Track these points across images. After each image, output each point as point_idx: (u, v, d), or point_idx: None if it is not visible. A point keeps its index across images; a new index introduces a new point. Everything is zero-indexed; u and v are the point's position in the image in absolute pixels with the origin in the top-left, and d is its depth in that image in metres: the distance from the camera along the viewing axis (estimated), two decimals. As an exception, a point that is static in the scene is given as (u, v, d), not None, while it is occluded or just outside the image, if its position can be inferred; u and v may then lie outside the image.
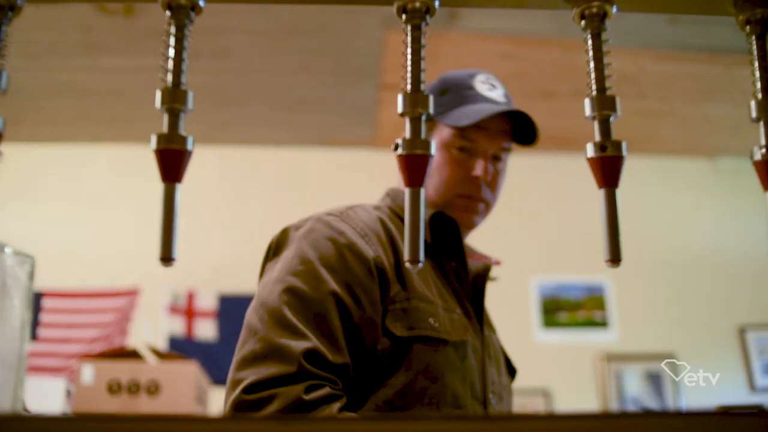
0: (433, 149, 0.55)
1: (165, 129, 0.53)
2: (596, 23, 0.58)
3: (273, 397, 0.88)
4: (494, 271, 1.25)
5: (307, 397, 0.88)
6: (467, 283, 1.17)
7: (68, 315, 3.52)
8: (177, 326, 3.67)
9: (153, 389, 2.18)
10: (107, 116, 3.72)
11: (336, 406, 0.90)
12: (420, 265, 0.54)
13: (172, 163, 0.52)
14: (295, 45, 3.26)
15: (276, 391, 0.88)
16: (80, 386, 2.16)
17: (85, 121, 3.74)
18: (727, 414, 0.42)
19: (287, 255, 1.04)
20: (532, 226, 3.78)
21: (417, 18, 0.56)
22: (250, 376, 0.90)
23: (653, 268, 3.75)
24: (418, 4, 0.56)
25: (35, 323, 3.61)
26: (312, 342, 0.92)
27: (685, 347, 3.55)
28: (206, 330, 3.69)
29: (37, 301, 3.63)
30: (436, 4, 0.56)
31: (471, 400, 1.05)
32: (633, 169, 4.35)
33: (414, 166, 0.54)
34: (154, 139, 0.52)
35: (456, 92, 1.21)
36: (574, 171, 4.15)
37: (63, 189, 3.83)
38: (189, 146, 0.53)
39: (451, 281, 1.15)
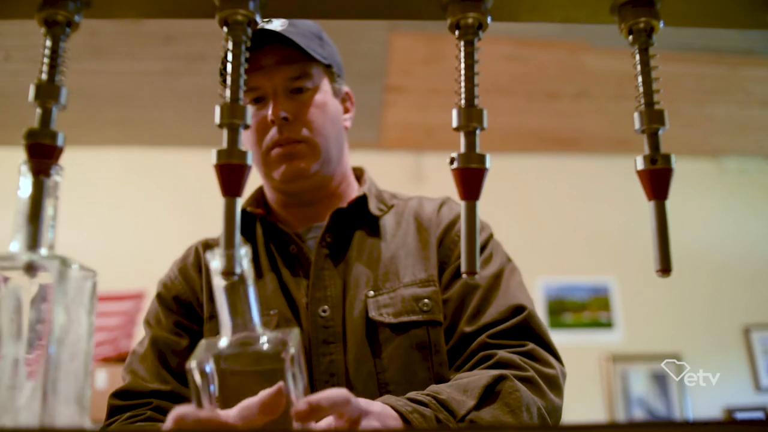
0: (488, 162, 0.56)
1: (224, 144, 0.54)
2: (644, 38, 0.59)
3: None
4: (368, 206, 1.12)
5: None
6: (307, 262, 1.06)
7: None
8: (183, 329, 3.67)
9: (166, 393, 2.19)
10: (113, 120, 3.72)
11: None
12: (475, 276, 0.55)
13: (232, 177, 0.53)
14: (300, 48, 3.27)
15: None
16: (93, 391, 2.17)
17: (92, 124, 3.74)
18: (734, 423, 0.42)
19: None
20: (536, 228, 3.80)
21: (470, 34, 0.57)
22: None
23: (658, 268, 3.75)
24: (470, 20, 0.57)
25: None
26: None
27: (691, 347, 3.57)
28: (212, 332, 3.69)
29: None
30: (489, 19, 0.57)
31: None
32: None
33: (469, 180, 0.55)
34: (214, 154, 0.53)
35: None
36: (579, 172, 4.19)
37: (69, 192, 3.80)
38: (248, 161, 0.54)
39: (284, 271, 1.07)
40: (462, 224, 0.55)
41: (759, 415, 3.37)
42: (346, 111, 1.18)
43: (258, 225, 1.14)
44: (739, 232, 3.95)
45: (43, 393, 0.50)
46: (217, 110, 0.54)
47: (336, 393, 0.63)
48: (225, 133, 0.54)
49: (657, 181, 0.57)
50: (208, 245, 1.16)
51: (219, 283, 0.57)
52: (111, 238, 3.76)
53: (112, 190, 3.89)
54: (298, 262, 1.07)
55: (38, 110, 0.56)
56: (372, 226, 1.11)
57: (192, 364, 0.56)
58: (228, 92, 0.55)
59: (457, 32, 0.58)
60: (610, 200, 3.98)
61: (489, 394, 0.85)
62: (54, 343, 0.51)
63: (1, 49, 3.17)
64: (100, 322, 3.54)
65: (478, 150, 0.56)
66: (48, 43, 0.57)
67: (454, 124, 0.56)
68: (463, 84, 0.56)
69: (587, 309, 3.81)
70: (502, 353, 0.92)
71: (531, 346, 0.95)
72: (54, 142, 0.56)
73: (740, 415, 3.43)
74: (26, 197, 0.55)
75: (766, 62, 3.27)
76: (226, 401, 0.57)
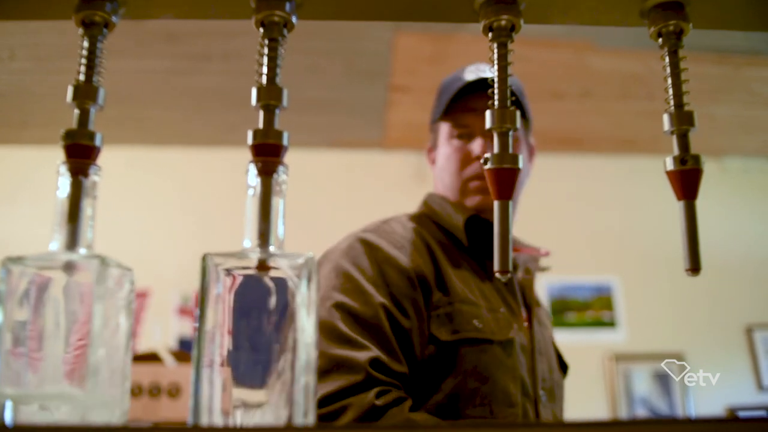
0: (521, 162, 0.57)
1: (260, 125, 0.55)
2: (673, 41, 0.60)
3: (345, 407, 0.90)
4: (545, 261, 1.28)
5: (378, 402, 0.90)
6: (512, 279, 1.20)
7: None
8: (187, 328, 3.69)
9: (174, 392, 2.19)
10: (117, 118, 3.72)
11: (407, 405, 0.92)
12: (509, 275, 0.56)
13: (268, 156, 0.54)
14: (304, 46, 3.27)
15: (348, 401, 0.90)
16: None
17: (95, 123, 3.74)
18: (736, 420, 0.43)
19: (326, 273, 1.07)
20: (539, 227, 3.80)
21: (503, 36, 0.58)
22: (319, 391, 0.92)
23: (661, 268, 3.77)
24: (504, 23, 0.57)
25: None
26: (374, 351, 0.95)
27: (693, 347, 3.58)
28: (216, 331, 3.70)
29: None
30: (521, 22, 0.58)
31: (522, 398, 1.06)
32: (641, 170, 4.38)
33: (502, 180, 0.56)
34: (250, 134, 0.54)
35: (448, 90, 1.23)
36: (583, 172, 4.20)
37: (72, 191, 3.82)
38: (284, 142, 0.55)
39: (495, 280, 1.18)
40: (495, 223, 0.56)
41: (761, 414, 3.38)
42: (529, 161, 1.33)
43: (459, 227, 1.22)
44: (741, 232, 3.96)
45: (82, 394, 0.51)
46: (254, 92, 0.55)
47: None
48: (261, 114, 0.55)
49: (687, 181, 0.58)
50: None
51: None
52: (115, 236, 3.75)
53: (116, 188, 3.89)
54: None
55: (76, 111, 0.56)
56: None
57: None
58: (264, 76, 0.55)
59: (490, 34, 0.58)
60: (614, 200, 3.99)
61: None
62: (94, 343, 0.51)
63: (6, 48, 3.17)
64: (103, 320, 3.53)
65: (510, 151, 0.57)
66: (85, 44, 0.57)
67: (488, 125, 0.57)
68: (497, 85, 0.57)
69: (590, 308, 3.82)
70: None
71: None
72: (92, 143, 0.56)
73: (743, 415, 3.44)
74: (64, 197, 0.55)
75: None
76: None
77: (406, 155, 3.97)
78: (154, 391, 2.19)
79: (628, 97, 3.52)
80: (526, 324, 1.17)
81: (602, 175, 4.05)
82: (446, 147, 1.23)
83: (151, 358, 2.38)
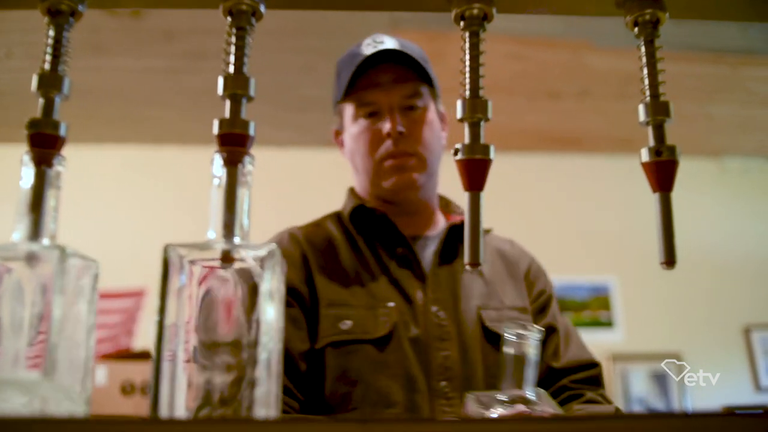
0: (492, 153, 0.56)
1: (227, 114, 0.54)
2: (649, 30, 0.59)
3: None
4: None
5: None
6: (418, 264, 1.13)
7: (75, 316, 3.52)
8: (183, 327, 3.67)
9: (166, 390, 2.18)
10: (114, 117, 3.72)
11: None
12: (480, 268, 0.55)
13: (234, 146, 0.53)
14: (300, 45, 3.26)
15: None
16: (93, 387, 2.17)
17: (92, 121, 3.73)
18: (732, 414, 0.42)
19: None
20: (537, 227, 3.79)
21: (475, 25, 0.57)
22: None
23: (659, 268, 3.74)
24: (476, 11, 0.56)
25: (41, 324, 3.60)
26: None
27: (691, 347, 3.56)
28: (212, 330, 3.68)
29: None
30: (494, 11, 0.57)
31: (408, 395, 1.01)
32: (638, 170, 4.37)
33: (473, 171, 0.55)
34: (216, 124, 0.53)
35: (347, 68, 1.17)
36: (581, 172, 4.18)
37: (68, 190, 3.80)
38: (251, 132, 0.54)
39: (396, 269, 1.13)
40: (466, 215, 0.55)
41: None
42: (443, 130, 1.26)
43: (348, 221, 1.20)
44: (740, 232, 3.95)
45: (42, 385, 0.50)
46: (220, 81, 0.54)
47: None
48: (228, 103, 0.54)
49: (662, 173, 0.57)
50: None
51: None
52: (111, 235, 3.75)
53: (112, 187, 3.89)
54: (408, 263, 1.14)
55: (41, 100, 0.55)
56: None
57: None
58: (231, 65, 0.54)
59: (462, 23, 0.57)
60: (612, 200, 3.97)
61: None
62: (53, 334, 0.50)
63: (3, 46, 3.16)
64: (100, 319, 3.53)
65: (482, 141, 0.56)
66: (51, 33, 0.56)
67: (459, 115, 0.56)
68: (468, 75, 0.56)
69: (587, 308, 3.81)
70: (590, 394, 1.07)
71: (603, 392, 1.10)
72: (56, 132, 0.55)
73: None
74: (28, 187, 0.55)
75: (767, 62, 3.26)
76: None
77: (403, 154, 3.95)
78: (147, 390, 2.19)
79: (626, 96, 3.50)
80: (435, 309, 1.10)
81: (600, 174, 4.03)
82: (354, 128, 1.18)
83: (144, 356, 2.37)
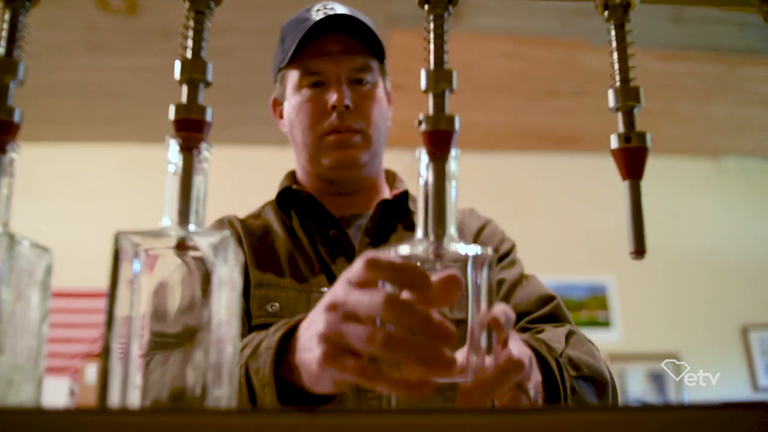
0: (457, 124, 0.54)
1: (183, 99, 0.53)
2: (620, 14, 0.58)
3: None
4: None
5: None
6: (351, 246, 1.08)
7: (70, 315, 3.52)
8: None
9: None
10: (110, 116, 3.71)
11: None
12: (442, 242, 0.53)
13: (192, 132, 0.52)
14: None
15: None
16: (84, 386, 2.16)
17: (88, 120, 3.73)
18: (728, 407, 0.42)
19: None
20: (534, 226, 3.78)
21: (439, 8, 0.56)
22: None
23: (656, 267, 3.74)
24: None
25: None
26: None
27: (688, 347, 3.55)
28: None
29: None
30: (458, -7, 0.55)
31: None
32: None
33: (438, 142, 0.54)
34: (172, 109, 0.52)
35: (294, 33, 1.08)
36: (577, 171, 4.17)
37: (65, 189, 3.82)
38: (208, 117, 0.53)
39: (328, 253, 1.07)
40: (431, 186, 0.54)
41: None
42: (389, 110, 1.20)
43: (275, 205, 1.15)
44: (737, 231, 3.93)
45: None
46: (177, 65, 0.53)
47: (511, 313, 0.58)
48: (185, 88, 0.53)
49: (631, 159, 0.55)
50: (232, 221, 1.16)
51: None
52: (107, 234, 3.74)
53: (108, 186, 3.88)
54: (338, 246, 1.08)
55: (-6, 85, 0.54)
56: (410, 222, 1.13)
57: None
58: (189, 50, 0.53)
59: (426, 6, 0.56)
60: (609, 199, 3.95)
61: (567, 343, 0.89)
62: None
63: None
64: (94, 318, 3.53)
65: (446, 113, 0.55)
66: (6, 16, 0.55)
67: (423, 86, 0.55)
68: (432, 47, 0.55)
69: (585, 308, 3.79)
70: (549, 328, 0.96)
71: (569, 327, 0.98)
72: (11, 118, 0.54)
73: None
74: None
75: (765, 61, 3.25)
76: None
77: (400, 153, 3.94)
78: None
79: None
80: None
81: (597, 173, 4.01)
82: (296, 98, 1.09)
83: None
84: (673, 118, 3.78)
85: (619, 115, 0.57)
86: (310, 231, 1.10)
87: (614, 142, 0.56)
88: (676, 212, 3.88)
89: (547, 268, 3.85)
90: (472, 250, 0.53)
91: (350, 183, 1.14)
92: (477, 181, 3.73)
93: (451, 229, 0.53)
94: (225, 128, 3.81)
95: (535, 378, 0.65)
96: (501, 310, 0.54)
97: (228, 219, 1.14)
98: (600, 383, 0.84)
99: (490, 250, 0.54)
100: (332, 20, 1.05)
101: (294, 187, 1.14)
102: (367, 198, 1.16)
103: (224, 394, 0.48)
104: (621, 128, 0.57)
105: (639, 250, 0.56)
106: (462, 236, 1.11)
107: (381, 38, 1.10)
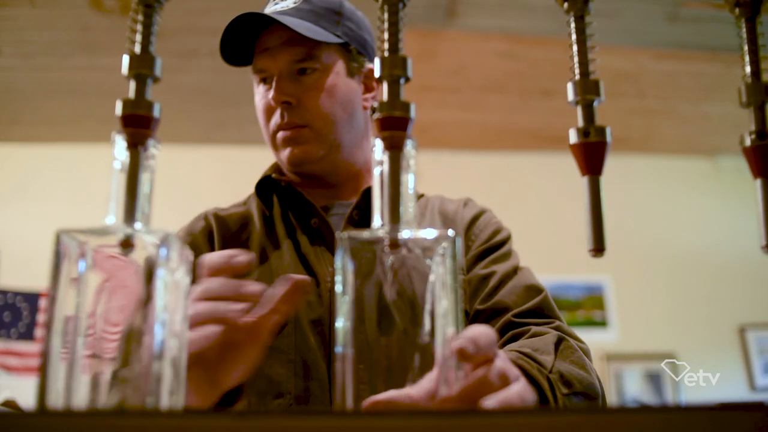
0: (413, 112, 0.53)
1: (131, 95, 0.52)
2: (579, 5, 0.57)
3: None
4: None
5: None
6: (332, 235, 1.04)
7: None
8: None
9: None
10: (105, 116, 3.70)
11: None
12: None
13: (138, 128, 0.51)
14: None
15: None
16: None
17: (83, 121, 3.72)
18: (726, 408, 0.41)
19: None
20: (530, 226, 3.76)
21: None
22: None
23: (653, 267, 3.72)
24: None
25: (33, 324, 3.60)
26: None
27: (685, 347, 3.53)
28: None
29: (34, 301, 3.61)
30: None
31: (301, 383, 0.92)
32: (633, 169, 4.35)
33: (392, 128, 0.52)
34: (119, 105, 0.51)
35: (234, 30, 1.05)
36: (573, 170, 4.11)
37: (61, 189, 3.82)
38: (156, 114, 0.52)
39: (307, 244, 1.04)
40: (387, 176, 0.52)
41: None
42: (369, 90, 1.12)
43: (274, 194, 1.12)
44: (734, 231, 3.91)
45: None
46: (125, 60, 0.52)
47: (489, 335, 0.56)
48: (132, 83, 0.52)
49: (590, 154, 0.54)
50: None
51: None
52: (102, 235, 3.74)
53: (105, 186, 3.87)
54: (320, 235, 1.05)
55: None
56: None
57: None
58: (137, 44, 0.52)
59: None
60: (606, 199, 3.94)
61: (557, 352, 0.85)
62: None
63: (-8, 44, 3.15)
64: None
65: (401, 98, 0.54)
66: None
67: (377, 73, 0.54)
68: (386, 33, 0.54)
69: (581, 308, 3.78)
70: (536, 328, 0.92)
71: (557, 323, 0.95)
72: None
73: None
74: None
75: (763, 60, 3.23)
76: None
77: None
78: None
79: (618, 95, 3.48)
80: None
81: (594, 173, 4.01)
82: (256, 96, 1.09)
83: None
84: (671, 117, 3.77)
85: (579, 109, 0.56)
86: (289, 221, 1.08)
87: (573, 137, 0.55)
88: (673, 211, 3.86)
89: (544, 268, 3.82)
90: (430, 234, 0.52)
91: (324, 177, 1.10)
92: (472, 181, 3.72)
93: (408, 217, 0.52)
94: (221, 128, 3.81)
95: (530, 397, 0.63)
96: (469, 338, 0.53)
97: (205, 213, 1.12)
98: (592, 398, 0.82)
99: (451, 234, 0.52)
100: (263, 18, 1.02)
101: (274, 176, 1.11)
102: (353, 186, 1.13)
103: (165, 394, 0.47)
104: (580, 122, 0.56)
105: (598, 247, 0.54)
106: (453, 227, 1.08)
107: (332, 17, 1.06)
